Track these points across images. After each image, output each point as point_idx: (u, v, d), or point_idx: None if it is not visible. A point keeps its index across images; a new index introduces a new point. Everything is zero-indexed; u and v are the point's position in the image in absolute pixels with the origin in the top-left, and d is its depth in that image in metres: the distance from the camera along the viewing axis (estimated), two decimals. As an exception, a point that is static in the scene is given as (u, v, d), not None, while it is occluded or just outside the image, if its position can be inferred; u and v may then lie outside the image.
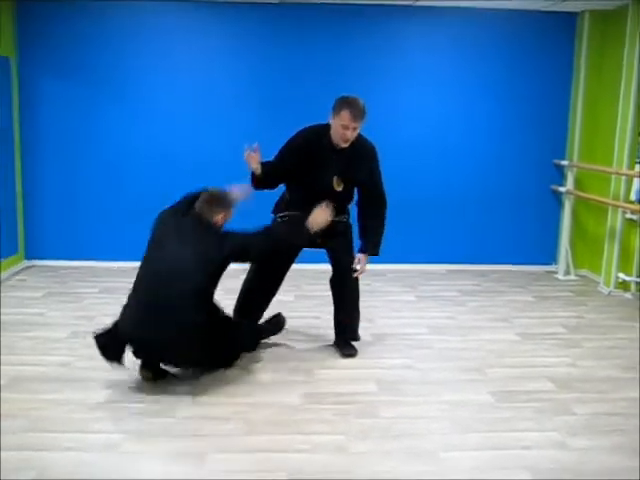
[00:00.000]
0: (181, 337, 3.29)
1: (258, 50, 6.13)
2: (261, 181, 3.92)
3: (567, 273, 6.33)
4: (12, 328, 4.40)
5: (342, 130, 3.77)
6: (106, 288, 5.45)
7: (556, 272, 6.43)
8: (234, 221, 3.73)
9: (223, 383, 3.58)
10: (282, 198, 4.22)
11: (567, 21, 6.15)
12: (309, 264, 5.59)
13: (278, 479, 2.62)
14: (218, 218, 3.58)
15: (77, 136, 6.17)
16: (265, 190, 4.02)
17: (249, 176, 3.90)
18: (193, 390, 3.47)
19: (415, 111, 6.27)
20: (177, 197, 6.00)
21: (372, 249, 4.09)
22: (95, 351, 3.47)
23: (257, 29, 6.08)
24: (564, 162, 6.29)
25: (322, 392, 3.54)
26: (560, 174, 6.43)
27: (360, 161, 3.96)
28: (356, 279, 4.14)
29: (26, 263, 6.26)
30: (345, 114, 3.71)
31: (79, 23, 5.96)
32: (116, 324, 3.48)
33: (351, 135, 3.79)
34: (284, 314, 4.44)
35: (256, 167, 3.82)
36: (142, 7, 5.99)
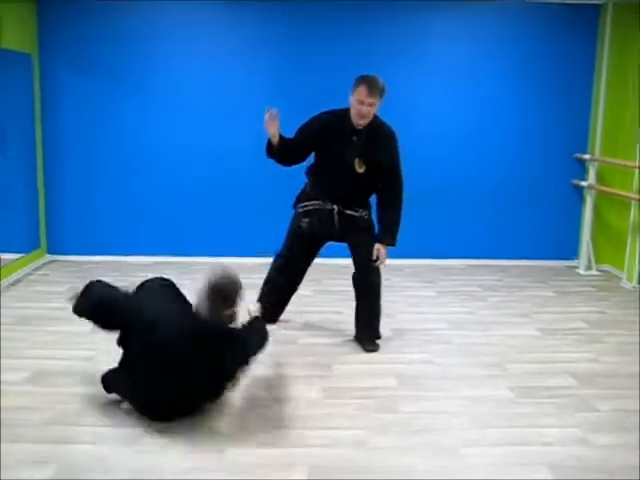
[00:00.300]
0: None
1: (277, 44, 6.11)
2: (276, 152, 3.95)
3: (588, 268, 6.26)
4: (35, 322, 4.46)
5: (358, 105, 3.81)
6: (130, 283, 5.48)
7: (577, 267, 6.36)
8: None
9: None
10: (303, 191, 4.26)
11: (590, 13, 6.06)
12: (329, 259, 5.65)
13: (298, 478, 2.62)
14: (225, 316, 3.00)
15: (97, 131, 6.19)
16: (278, 163, 4.07)
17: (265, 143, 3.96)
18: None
19: (434, 104, 6.23)
20: (197, 191, 6.17)
21: (388, 239, 4.09)
22: (116, 345, 3.44)
23: (275, 23, 6.06)
24: (586, 156, 6.21)
25: (342, 387, 3.55)
26: (582, 168, 6.34)
27: (380, 142, 3.96)
28: (377, 276, 4.16)
29: (48, 258, 6.33)
30: (361, 89, 3.76)
31: (98, 20, 5.98)
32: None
33: (367, 111, 3.80)
34: (304, 309, 4.54)
35: (273, 133, 3.85)
36: (159, 3, 5.98)
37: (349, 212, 4.10)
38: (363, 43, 6.03)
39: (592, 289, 5.67)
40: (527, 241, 6.51)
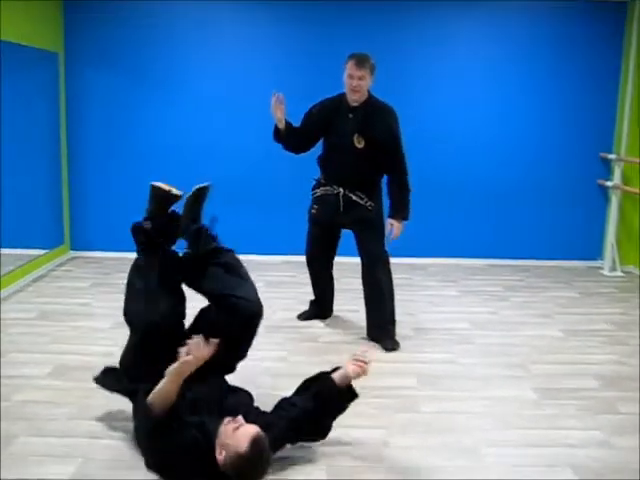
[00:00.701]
0: None
1: (301, 40, 6.11)
2: (283, 137, 4.11)
3: (613, 269, 6.17)
4: (58, 318, 4.50)
5: (349, 80, 3.91)
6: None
7: (601, 268, 6.27)
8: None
9: (264, 375, 3.61)
10: (316, 179, 4.37)
11: (616, 10, 5.97)
12: (346, 257, 5.61)
13: (318, 478, 2.61)
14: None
15: (119, 128, 6.24)
16: (286, 149, 4.26)
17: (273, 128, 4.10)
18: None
19: (458, 102, 6.18)
20: (218, 187, 6.16)
21: (399, 215, 4.15)
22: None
23: (295, 20, 6.07)
24: (611, 155, 6.12)
25: (362, 385, 3.50)
26: (607, 168, 6.25)
27: (376, 117, 4.01)
28: (385, 272, 4.22)
29: (72, 254, 6.39)
30: (350, 64, 3.89)
31: (122, 18, 6.03)
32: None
33: (357, 84, 3.89)
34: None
35: (280, 118, 4.02)
36: (179, 2, 6.03)
37: (354, 198, 4.13)
38: (388, 43, 5.97)
39: (616, 290, 5.59)
40: (550, 241, 6.43)
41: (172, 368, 2.41)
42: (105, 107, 6.21)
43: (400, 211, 4.14)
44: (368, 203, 4.15)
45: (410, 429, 3.03)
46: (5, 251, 5.03)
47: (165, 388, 2.42)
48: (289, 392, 2.86)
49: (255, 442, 2.30)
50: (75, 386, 3.37)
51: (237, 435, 2.32)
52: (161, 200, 3.23)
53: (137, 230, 3.10)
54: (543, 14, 6.03)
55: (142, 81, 6.17)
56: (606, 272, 6.15)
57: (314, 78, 6.00)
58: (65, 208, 6.34)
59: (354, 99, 3.96)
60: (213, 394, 2.71)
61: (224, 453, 2.32)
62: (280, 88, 5.86)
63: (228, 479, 2.36)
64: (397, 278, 5.42)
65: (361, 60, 3.89)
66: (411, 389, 3.49)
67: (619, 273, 6.11)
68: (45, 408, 3.14)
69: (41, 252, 5.80)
